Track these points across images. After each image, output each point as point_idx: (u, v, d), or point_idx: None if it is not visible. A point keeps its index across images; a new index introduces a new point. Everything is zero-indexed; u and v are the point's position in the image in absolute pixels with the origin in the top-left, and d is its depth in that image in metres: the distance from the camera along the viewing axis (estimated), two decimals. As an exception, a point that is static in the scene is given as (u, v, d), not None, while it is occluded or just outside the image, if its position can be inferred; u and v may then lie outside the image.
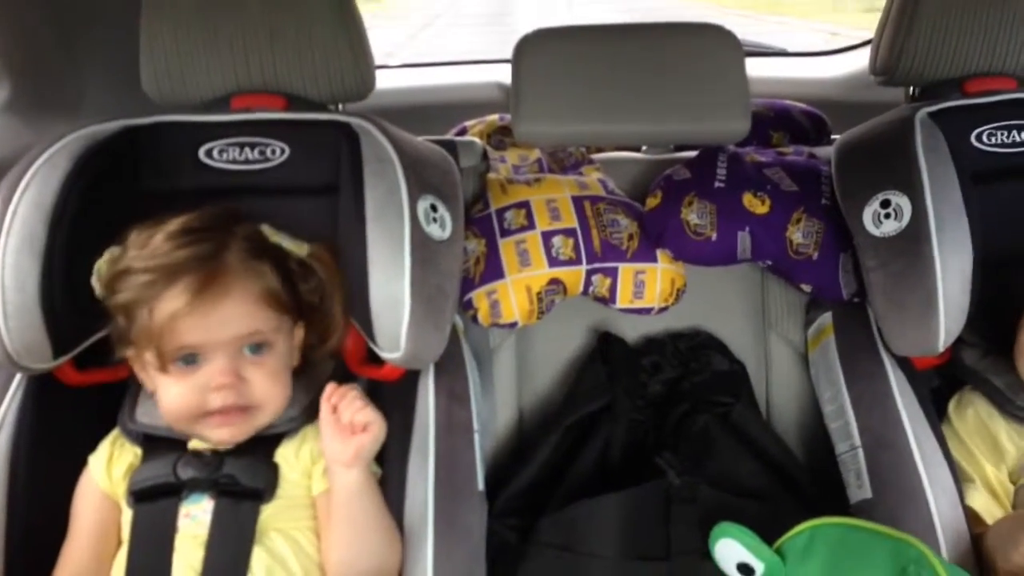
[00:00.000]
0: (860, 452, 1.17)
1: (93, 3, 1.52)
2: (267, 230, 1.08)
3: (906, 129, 1.19)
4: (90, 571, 1.01)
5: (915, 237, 1.12)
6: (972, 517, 1.10)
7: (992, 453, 1.14)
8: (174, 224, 1.01)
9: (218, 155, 1.16)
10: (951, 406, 1.20)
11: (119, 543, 1.03)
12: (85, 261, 1.03)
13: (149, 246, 0.99)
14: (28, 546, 1.02)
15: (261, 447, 1.03)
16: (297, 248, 1.08)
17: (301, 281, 1.07)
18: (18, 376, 1.08)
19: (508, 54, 1.31)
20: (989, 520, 1.10)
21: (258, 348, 1.00)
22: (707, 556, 1.01)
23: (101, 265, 1.02)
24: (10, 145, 1.31)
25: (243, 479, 1.01)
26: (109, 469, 1.04)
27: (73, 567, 1.02)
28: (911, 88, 1.36)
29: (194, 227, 1.01)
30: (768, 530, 1.02)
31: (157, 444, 1.04)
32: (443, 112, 1.76)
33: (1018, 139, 1.24)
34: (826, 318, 1.32)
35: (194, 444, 1.04)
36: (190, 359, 0.98)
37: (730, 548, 1.00)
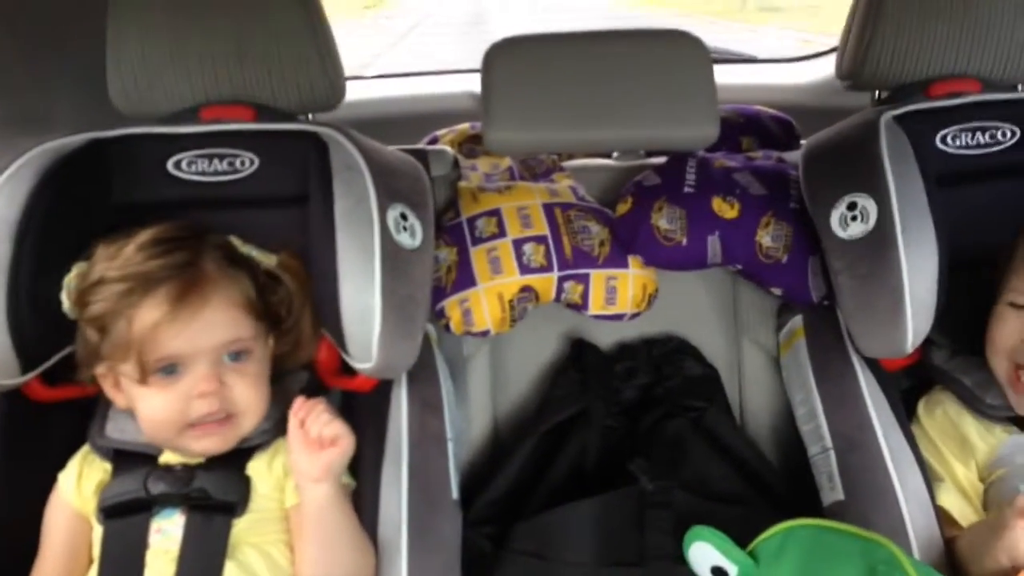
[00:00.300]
0: (831, 454, 1.18)
1: (59, 18, 1.50)
2: (235, 241, 1.08)
3: (871, 132, 1.20)
4: None
5: (881, 240, 1.13)
6: (943, 516, 1.11)
7: (961, 452, 1.15)
8: (145, 235, 1.01)
9: (187, 167, 1.15)
10: (920, 406, 1.21)
11: (90, 561, 1.02)
12: (52, 276, 1.02)
13: (120, 257, 0.99)
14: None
15: (233, 460, 1.03)
16: (266, 259, 1.08)
17: (271, 292, 1.07)
18: None
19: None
20: (960, 519, 1.11)
21: (238, 355, 1.00)
22: (681, 561, 1.01)
23: (70, 280, 1.01)
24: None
25: (215, 493, 1.00)
26: (79, 486, 1.03)
27: None
28: (876, 92, 1.37)
29: (166, 237, 1.01)
30: (742, 533, 1.02)
31: (127, 459, 1.03)
32: (417, 122, 1.75)
33: (982, 141, 1.26)
34: (797, 321, 1.33)
35: (165, 458, 1.03)
36: (171, 368, 0.97)
37: (704, 552, 1.00)
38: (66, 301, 1.02)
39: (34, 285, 1.02)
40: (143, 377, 0.97)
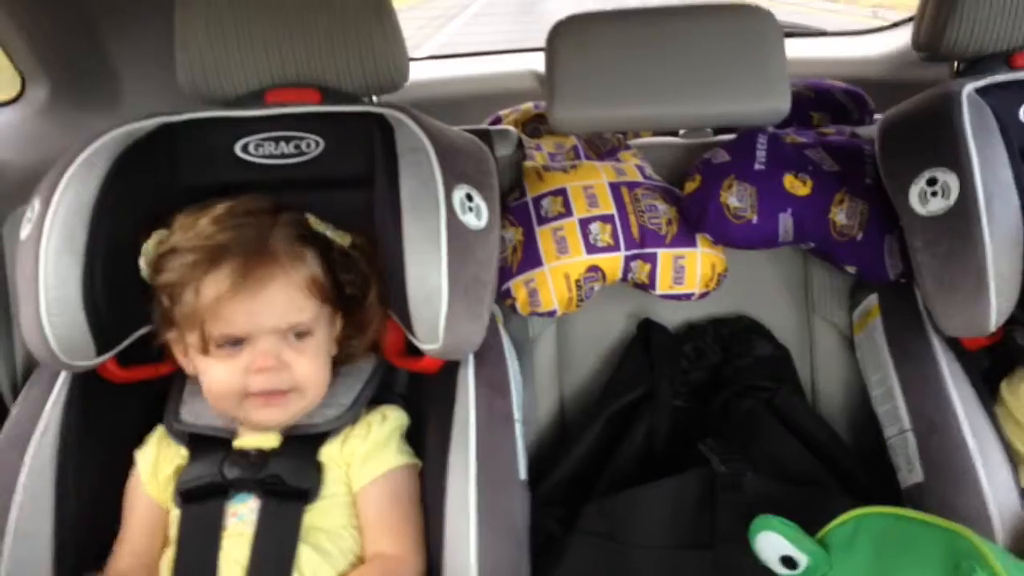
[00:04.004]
0: (910, 436, 1.15)
1: (127, 2, 1.53)
2: (312, 219, 1.08)
3: (952, 105, 1.16)
4: (139, 568, 1.02)
5: (963, 216, 1.09)
6: None
7: (1047, 435, 1.11)
8: (220, 208, 1.02)
9: (254, 150, 1.16)
10: (1003, 387, 1.18)
11: (167, 541, 1.04)
12: (126, 259, 1.04)
13: (195, 228, 1.01)
14: (77, 542, 1.03)
15: (306, 446, 1.04)
16: (340, 238, 1.08)
17: (343, 271, 1.07)
18: (63, 374, 1.09)
19: (540, 43, 1.30)
20: (1045, 503, 1.07)
21: (300, 335, 1.01)
22: (754, 545, 1.00)
23: (149, 246, 1.03)
24: (51, 145, 1.32)
25: (288, 479, 1.01)
26: (156, 472, 1.05)
27: (124, 564, 1.03)
28: (956, 63, 1.33)
29: (240, 211, 1.02)
30: (815, 517, 1.01)
31: (203, 443, 1.05)
32: (478, 102, 1.75)
33: None
34: (872, 300, 1.29)
35: (240, 443, 1.04)
36: (232, 342, 0.98)
37: (772, 541, 0.98)
38: (144, 266, 1.03)
39: (108, 268, 1.04)
40: (205, 347, 0.98)
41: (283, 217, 1.04)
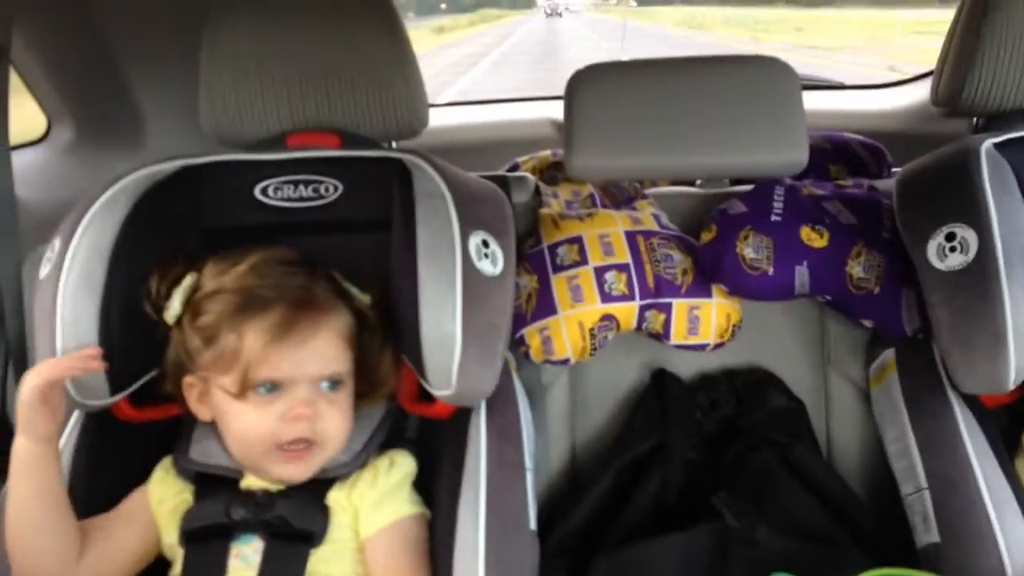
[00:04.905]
0: (926, 494, 1.13)
1: (152, 47, 1.55)
2: (337, 276, 1.09)
3: (971, 160, 1.16)
4: (94, 530, 1.02)
5: (982, 271, 1.09)
6: None
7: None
8: (258, 256, 1.03)
9: (273, 193, 1.17)
10: None
11: (139, 552, 1.04)
12: (141, 299, 1.04)
13: (231, 273, 1.01)
14: None
15: (313, 490, 1.03)
16: (362, 297, 1.09)
17: (363, 330, 1.07)
18: (76, 412, 1.10)
19: (558, 91, 1.31)
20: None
21: (334, 385, 1.01)
22: (767, 601, 0.98)
23: (185, 287, 1.03)
24: (74, 185, 1.34)
25: (294, 521, 1.00)
26: (160, 501, 1.05)
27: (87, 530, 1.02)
28: (975, 119, 1.33)
29: (276, 260, 1.03)
30: (829, 574, 0.99)
31: (210, 483, 1.04)
32: (496, 149, 1.76)
33: None
34: (888, 355, 1.28)
35: (247, 483, 1.04)
36: (272, 388, 0.98)
37: (786, 596, 0.97)
38: (177, 307, 1.03)
39: (125, 308, 1.05)
40: (242, 392, 0.98)
41: (318, 270, 1.06)
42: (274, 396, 0.98)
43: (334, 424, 1.01)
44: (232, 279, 1.01)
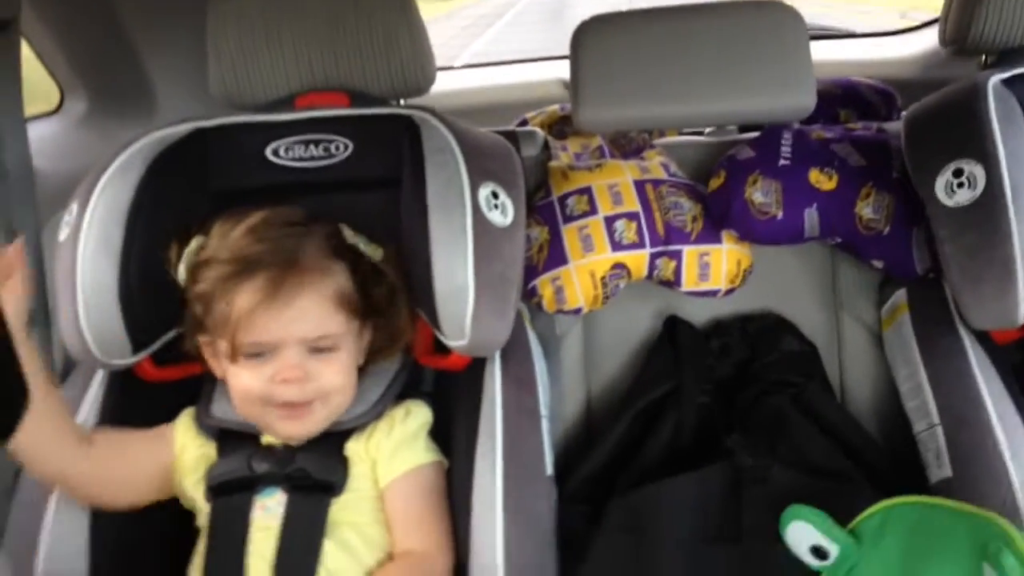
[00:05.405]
0: (939, 430, 1.14)
1: (161, 15, 1.56)
2: (346, 231, 1.09)
3: (978, 96, 1.16)
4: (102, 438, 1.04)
5: (990, 206, 1.09)
6: None
7: (1079, 426, 1.10)
8: (254, 219, 1.04)
9: (284, 153, 1.18)
10: None
11: (144, 481, 1.05)
12: (159, 259, 1.06)
13: (230, 237, 1.02)
14: (113, 543, 1.06)
15: (331, 441, 1.05)
16: (372, 251, 1.09)
17: (374, 285, 1.08)
18: (100, 373, 1.12)
19: (567, 50, 1.31)
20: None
21: (325, 349, 1.02)
22: (780, 538, 1.00)
23: (189, 251, 1.05)
24: (89, 155, 1.35)
25: (315, 473, 1.02)
26: (182, 451, 1.07)
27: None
28: (984, 58, 1.32)
29: (274, 221, 1.04)
30: (843, 511, 1.00)
31: (231, 439, 1.07)
32: (506, 111, 1.76)
33: None
34: (900, 295, 1.29)
35: (267, 438, 1.06)
36: (260, 352, 1.00)
37: (802, 531, 0.99)
38: (183, 272, 1.05)
39: (143, 269, 1.07)
40: (234, 356, 1.00)
41: (315, 229, 1.05)
42: (263, 359, 0.99)
43: (329, 380, 1.01)
44: (225, 245, 1.02)
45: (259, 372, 1.00)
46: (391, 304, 1.09)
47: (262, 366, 1.00)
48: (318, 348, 1.01)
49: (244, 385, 1.01)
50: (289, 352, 0.99)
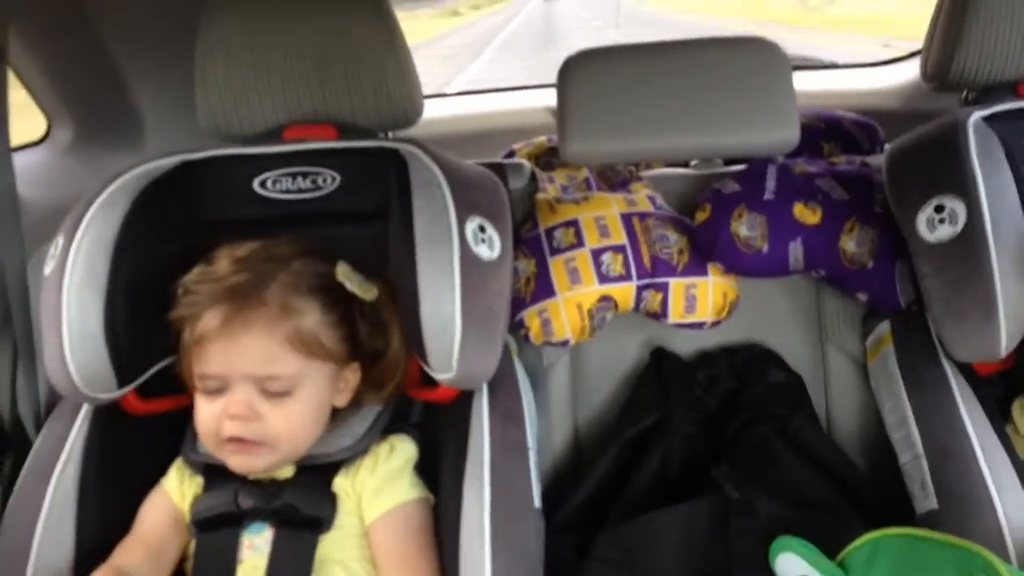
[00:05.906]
0: (923, 461, 1.15)
1: (149, 45, 1.56)
2: (341, 268, 1.06)
3: (959, 132, 1.17)
4: (150, 558, 1.03)
5: (971, 242, 1.10)
6: None
7: (1061, 457, 1.11)
8: (244, 249, 1.04)
9: (272, 185, 1.18)
10: (1015, 409, 1.18)
11: (175, 558, 1.05)
12: (147, 293, 1.06)
13: (213, 267, 1.02)
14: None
15: (319, 476, 1.04)
16: (365, 292, 1.07)
17: (368, 325, 1.07)
18: (85, 407, 1.11)
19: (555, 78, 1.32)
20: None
21: (277, 392, 1.00)
22: (768, 570, 1.00)
23: (186, 280, 1.04)
24: (75, 184, 1.35)
25: (303, 508, 1.02)
26: (181, 491, 1.07)
27: (124, 559, 1.02)
28: (965, 93, 1.34)
29: (260, 254, 1.03)
30: (831, 542, 1.01)
31: (218, 473, 1.05)
32: (494, 138, 1.77)
33: None
34: (884, 327, 1.30)
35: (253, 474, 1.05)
36: (213, 383, 0.99)
37: (791, 562, 0.99)
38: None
39: (130, 302, 1.06)
40: (192, 385, 1.01)
41: (295, 265, 1.03)
42: (220, 394, 0.99)
43: (277, 426, 0.99)
44: (202, 276, 1.02)
45: (214, 405, 0.99)
46: (384, 346, 1.09)
47: (217, 399, 0.99)
48: (269, 391, 0.99)
49: (201, 417, 1.01)
50: (238, 388, 0.98)
